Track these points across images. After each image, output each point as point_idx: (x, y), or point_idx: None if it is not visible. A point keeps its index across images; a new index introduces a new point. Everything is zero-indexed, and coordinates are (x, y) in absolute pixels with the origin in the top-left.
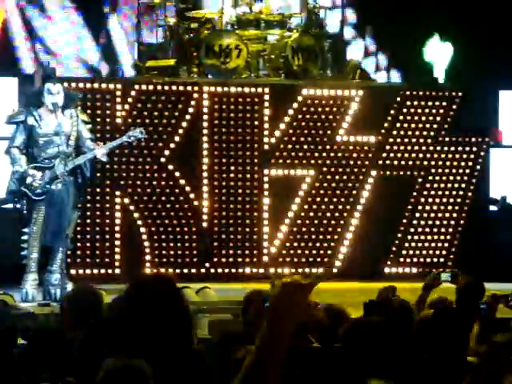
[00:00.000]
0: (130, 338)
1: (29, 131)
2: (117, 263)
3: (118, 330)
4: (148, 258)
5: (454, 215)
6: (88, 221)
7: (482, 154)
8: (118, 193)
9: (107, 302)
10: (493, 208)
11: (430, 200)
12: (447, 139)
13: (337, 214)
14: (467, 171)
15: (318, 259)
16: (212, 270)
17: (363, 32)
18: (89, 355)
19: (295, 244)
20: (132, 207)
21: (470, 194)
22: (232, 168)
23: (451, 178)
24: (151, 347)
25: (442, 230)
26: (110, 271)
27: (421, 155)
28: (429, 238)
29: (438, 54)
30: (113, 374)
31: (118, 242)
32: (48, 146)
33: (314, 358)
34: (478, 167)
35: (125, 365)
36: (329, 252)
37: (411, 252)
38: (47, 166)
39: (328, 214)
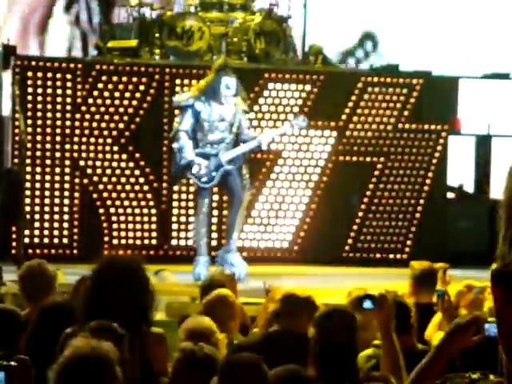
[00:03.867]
0: (94, 316)
1: (196, 116)
2: (75, 244)
3: (83, 309)
4: (106, 239)
5: (413, 202)
6: (47, 201)
7: (441, 141)
8: (77, 173)
9: (63, 283)
10: (450, 195)
11: (389, 186)
12: (407, 126)
13: (296, 200)
14: (426, 158)
15: (278, 245)
16: (170, 253)
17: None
18: (43, 334)
19: (254, 229)
20: (91, 188)
21: (428, 181)
22: None
23: (410, 164)
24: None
25: (401, 216)
26: (67, 252)
27: (381, 142)
28: (387, 223)
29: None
30: (78, 356)
31: (76, 223)
32: (212, 132)
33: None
34: (437, 155)
35: (91, 347)
36: (288, 237)
37: (369, 237)
38: (211, 153)
39: (287, 200)
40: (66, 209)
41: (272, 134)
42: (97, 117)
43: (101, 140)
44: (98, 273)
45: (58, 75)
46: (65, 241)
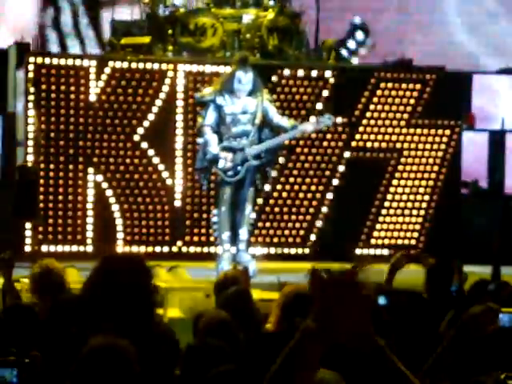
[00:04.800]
0: (96, 315)
1: (218, 110)
2: (89, 241)
3: (84, 308)
4: (120, 236)
5: (426, 198)
6: (60, 197)
7: (455, 137)
8: (90, 170)
9: (77, 279)
10: (464, 191)
11: (403, 182)
12: (420, 122)
13: (309, 196)
14: (440, 154)
15: (291, 240)
16: (184, 249)
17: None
18: (53, 331)
19: (267, 224)
20: (105, 185)
21: (442, 176)
22: None
23: (424, 160)
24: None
25: (414, 212)
26: (81, 249)
27: (394, 137)
28: (400, 220)
29: None
30: (97, 353)
31: (90, 220)
32: (235, 125)
33: None
34: (451, 150)
35: (109, 345)
36: (301, 233)
37: (383, 234)
38: (236, 147)
39: (301, 196)
40: (79, 205)
41: (299, 131)
42: (110, 113)
43: (114, 137)
44: (99, 272)
45: (72, 72)
46: (78, 237)
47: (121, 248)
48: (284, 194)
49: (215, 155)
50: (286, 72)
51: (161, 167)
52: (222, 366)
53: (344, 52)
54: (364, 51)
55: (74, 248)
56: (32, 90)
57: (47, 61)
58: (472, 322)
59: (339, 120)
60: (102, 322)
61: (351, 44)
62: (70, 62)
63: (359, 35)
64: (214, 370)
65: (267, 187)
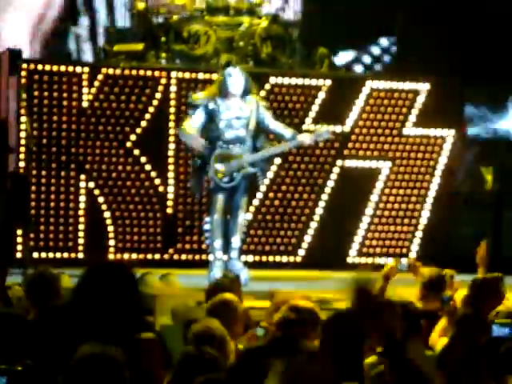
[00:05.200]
0: (83, 323)
1: (210, 115)
2: (80, 247)
3: (71, 315)
4: (112, 243)
5: (418, 207)
6: (52, 204)
7: (447, 146)
8: (82, 177)
9: (69, 286)
10: (456, 201)
11: (395, 191)
12: (413, 130)
13: (301, 204)
14: (431, 163)
15: (282, 248)
16: (176, 257)
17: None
18: (44, 338)
19: (259, 232)
20: (97, 192)
21: (433, 186)
22: None
23: (416, 169)
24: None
25: (406, 221)
26: (73, 255)
27: (386, 146)
28: (392, 229)
29: None
30: (86, 361)
31: (81, 227)
32: (227, 130)
33: None
34: (443, 160)
35: (98, 353)
36: (293, 241)
37: (374, 242)
38: (233, 154)
39: (293, 204)
40: (71, 212)
41: (296, 143)
42: (102, 120)
43: (106, 143)
44: (85, 280)
45: (64, 79)
46: (70, 244)
47: (112, 255)
48: (276, 202)
49: (205, 164)
50: (279, 80)
51: (153, 174)
52: (212, 373)
53: (366, 59)
54: (385, 58)
55: (66, 255)
56: (24, 96)
57: (40, 67)
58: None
59: (332, 129)
60: (89, 329)
61: (375, 50)
62: (62, 68)
63: (384, 41)
64: (201, 377)
65: (259, 195)
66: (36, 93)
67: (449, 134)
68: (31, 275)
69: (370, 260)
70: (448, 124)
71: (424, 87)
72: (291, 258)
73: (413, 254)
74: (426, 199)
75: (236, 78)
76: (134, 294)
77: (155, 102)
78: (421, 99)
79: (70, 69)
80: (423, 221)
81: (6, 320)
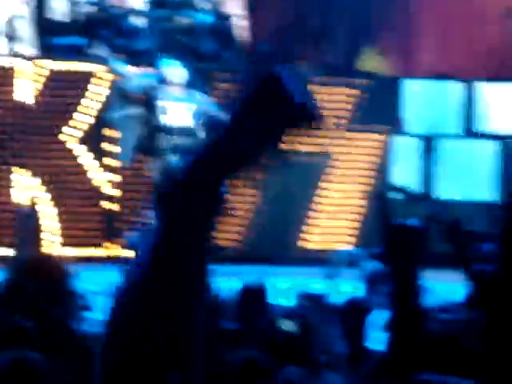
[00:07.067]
0: (14, 316)
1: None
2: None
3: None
4: (51, 238)
5: (357, 202)
6: None
7: (386, 141)
8: (20, 171)
9: None
10: (395, 195)
11: (335, 187)
12: (352, 126)
13: (241, 199)
14: (371, 159)
15: (222, 242)
16: (116, 252)
17: None
18: None
19: None
20: (34, 186)
21: (372, 181)
22: None
23: (356, 165)
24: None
25: (346, 216)
26: (9, 252)
27: (327, 142)
28: (332, 223)
29: None
30: (6, 369)
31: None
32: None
33: None
34: (381, 155)
35: (18, 360)
36: (235, 236)
37: (315, 237)
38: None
39: (232, 198)
40: (6, 207)
41: None
42: (39, 114)
43: (43, 138)
44: (15, 274)
45: (1, 72)
46: (6, 240)
47: (51, 250)
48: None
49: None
50: (223, 75)
51: (90, 167)
52: None
53: None
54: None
55: (2, 251)
56: None
57: None
58: None
59: None
60: (19, 323)
61: None
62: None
63: None
64: None
65: None
66: None
67: (387, 130)
68: None
69: (311, 254)
70: (386, 120)
71: (363, 83)
72: (232, 253)
73: (353, 248)
74: (365, 194)
75: (177, 83)
76: (62, 288)
77: (91, 95)
78: (361, 95)
79: (8, 63)
80: (361, 217)
81: None
